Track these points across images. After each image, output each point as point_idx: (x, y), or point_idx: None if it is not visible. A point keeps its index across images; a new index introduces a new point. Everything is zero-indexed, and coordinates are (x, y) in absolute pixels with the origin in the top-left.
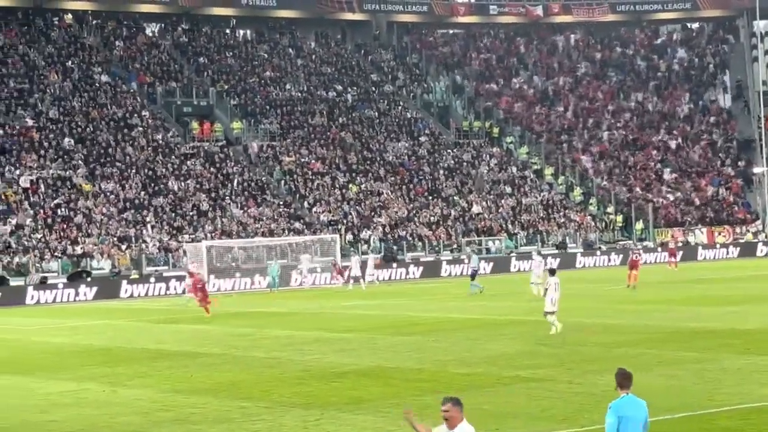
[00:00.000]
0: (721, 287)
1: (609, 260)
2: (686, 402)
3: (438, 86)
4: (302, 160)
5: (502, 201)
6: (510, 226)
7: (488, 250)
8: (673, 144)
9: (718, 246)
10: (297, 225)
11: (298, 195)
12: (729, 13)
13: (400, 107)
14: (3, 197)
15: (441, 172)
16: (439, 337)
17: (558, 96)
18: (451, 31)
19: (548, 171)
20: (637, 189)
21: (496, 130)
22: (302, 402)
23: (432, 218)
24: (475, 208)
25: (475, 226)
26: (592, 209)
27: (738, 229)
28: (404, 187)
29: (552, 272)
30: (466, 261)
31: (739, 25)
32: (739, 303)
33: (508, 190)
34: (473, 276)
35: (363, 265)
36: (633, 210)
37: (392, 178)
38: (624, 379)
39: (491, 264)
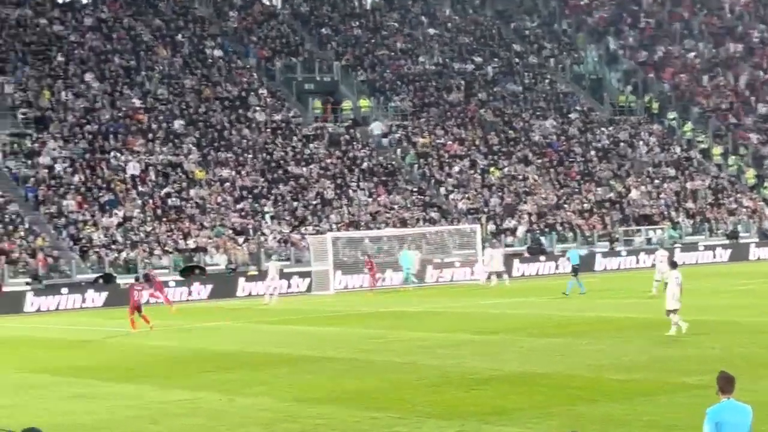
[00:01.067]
0: None
1: None
2: None
3: (590, 57)
4: (437, 141)
5: (665, 185)
6: (673, 214)
7: (649, 241)
8: None
9: None
10: (432, 214)
11: (433, 180)
12: None
13: (547, 81)
14: (109, 186)
15: (594, 153)
16: (591, 339)
17: (728, 66)
18: None
19: (716, 151)
20: None
21: (656, 105)
22: (439, 412)
23: (584, 205)
24: (634, 194)
25: (633, 213)
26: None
27: None
28: (552, 170)
29: (674, 265)
30: (567, 258)
31: None
32: None
33: (671, 173)
34: (575, 272)
35: (506, 259)
36: None
37: (539, 161)
38: (726, 383)
39: (650, 257)
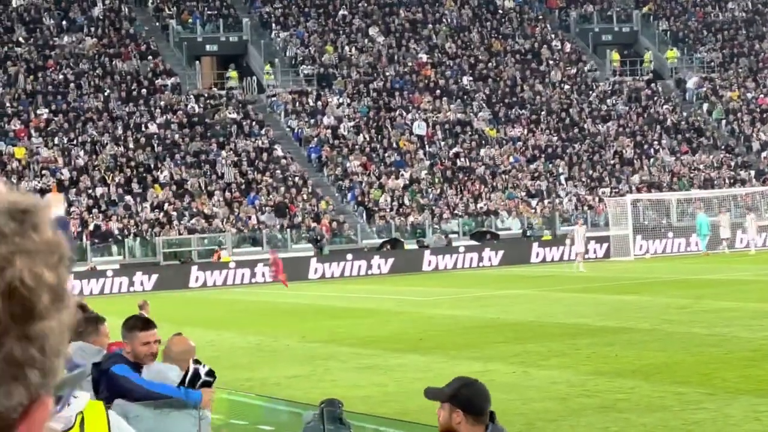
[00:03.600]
0: None
1: None
2: None
3: None
4: (748, 95)
5: None
6: None
7: None
8: None
9: None
10: (743, 174)
11: (743, 138)
12: None
13: None
14: (395, 146)
15: None
16: None
17: None
18: None
19: None
20: None
21: None
22: (752, 388)
23: None
24: None
25: None
26: None
27: None
28: None
29: None
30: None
31: None
32: None
33: None
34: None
35: None
36: None
37: None
38: None
39: None
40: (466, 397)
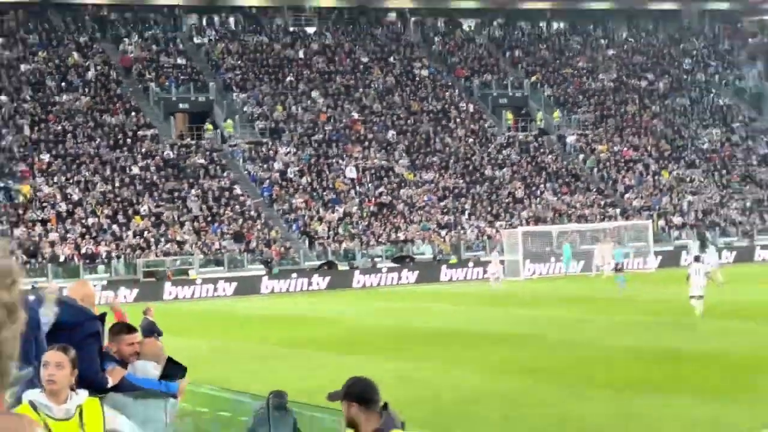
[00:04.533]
0: None
1: None
2: None
3: (751, 73)
4: (615, 148)
5: None
6: None
7: None
8: None
9: None
10: (611, 211)
11: (611, 182)
12: None
13: (712, 95)
14: (331, 187)
15: (755, 158)
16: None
17: None
18: (765, 17)
19: None
20: None
21: None
22: (619, 384)
23: (746, 203)
24: None
25: None
26: None
27: None
28: (716, 173)
29: (697, 258)
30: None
31: None
32: None
33: None
34: (619, 269)
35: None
36: None
37: (704, 165)
38: None
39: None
40: (357, 392)
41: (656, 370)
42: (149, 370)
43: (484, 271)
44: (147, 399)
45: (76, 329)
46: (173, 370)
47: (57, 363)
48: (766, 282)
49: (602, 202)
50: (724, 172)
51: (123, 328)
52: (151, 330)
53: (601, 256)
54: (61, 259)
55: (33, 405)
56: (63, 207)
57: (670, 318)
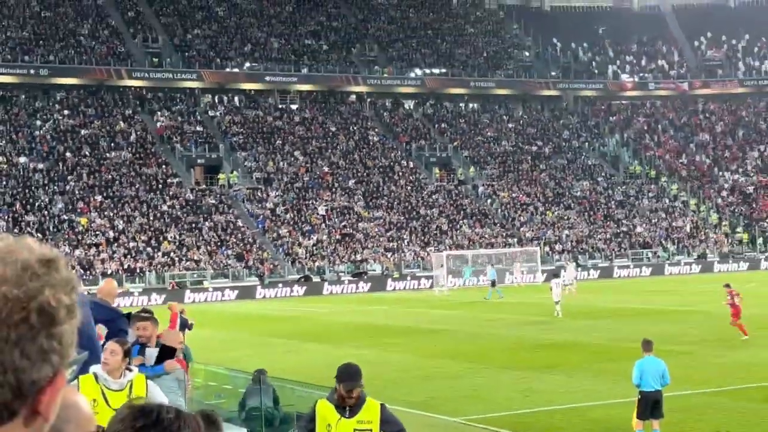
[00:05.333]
0: None
1: (738, 267)
2: None
3: (611, 141)
4: (513, 195)
5: (658, 223)
6: (663, 242)
7: (649, 258)
8: None
9: None
10: (510, 241)
11: (511, 219)
12: None
13: (583, 157)
14: (308, 221)
15: (613, 203)
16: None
17: (700, 148)
18: (620, 102)
19: (692, 201)
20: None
21: (653, 172)
22: (516, 365)
23: (606, 236)
24: (639, 229)
25: (638, 241)
26: (726, 229)
27: None
28: (586, 213)
29: (556, 275)
30: (485, 273)
31: None
32: None
33: (663, 215)
34: (493, 284)
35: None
36: (757, 230)
37: (577, 207)
38: (645, 345)
39: (650, 269)
40: (339, 371)
41: (537, 354)
42: (153, 354)
43: (419, 284)
44: (161, 378)
45: (109, 324)
46: (165, 354)
47: (111, 350)
48: (620, 293)
49: (504, 234)
50: (591, 212)
51: (137, 316)
52: (184, 324)
53: (519, 273)
54: (108, 272)
55: (96, 376)
56: (111, 234)
57: (545, 317)
